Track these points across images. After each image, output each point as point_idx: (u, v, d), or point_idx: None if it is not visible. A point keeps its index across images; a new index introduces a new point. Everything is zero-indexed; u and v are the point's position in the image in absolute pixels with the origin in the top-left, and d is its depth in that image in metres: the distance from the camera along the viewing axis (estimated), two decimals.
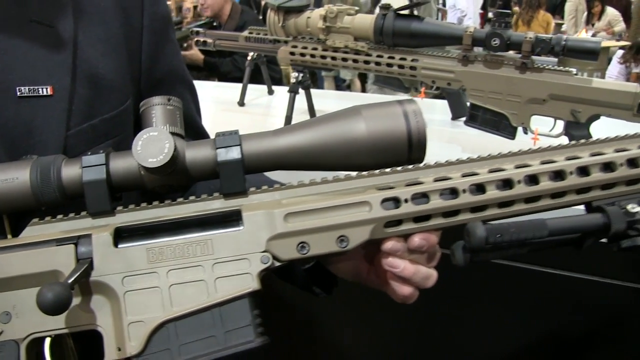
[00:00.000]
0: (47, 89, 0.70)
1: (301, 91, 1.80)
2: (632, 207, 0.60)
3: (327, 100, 2.14)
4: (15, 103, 0.68)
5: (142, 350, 0.57)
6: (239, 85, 2.19)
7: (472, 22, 9.10)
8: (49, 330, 0.59)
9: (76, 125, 0.72)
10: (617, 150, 0.63)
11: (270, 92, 2.37)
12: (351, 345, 1.67)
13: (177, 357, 0.57)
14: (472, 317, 1.47)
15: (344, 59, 1.56)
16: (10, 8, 0.70)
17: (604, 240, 0.62)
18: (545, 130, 1.44)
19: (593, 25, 8.59)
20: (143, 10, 0.81)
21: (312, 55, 1.61)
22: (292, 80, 1.74)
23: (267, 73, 2.32)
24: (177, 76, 0.89)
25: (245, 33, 1.90)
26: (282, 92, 2.25)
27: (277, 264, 0.60)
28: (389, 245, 0.61)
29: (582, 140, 0.65)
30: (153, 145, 0.57)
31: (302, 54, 1.63)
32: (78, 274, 0.56)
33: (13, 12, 0.70)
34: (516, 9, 8.99)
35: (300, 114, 1.82)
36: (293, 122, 1.76)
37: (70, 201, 0.62)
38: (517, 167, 0.62)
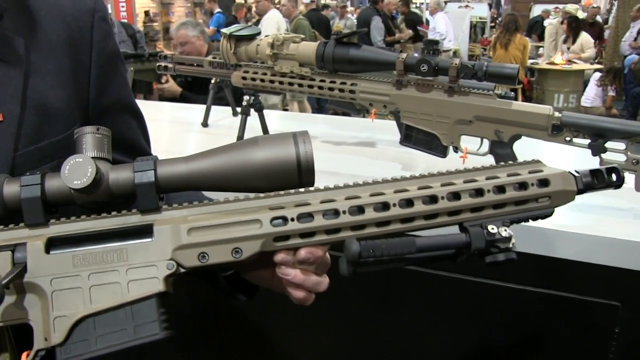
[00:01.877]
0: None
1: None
2: (492, 228, 0.70)
3: (285, 121, 2.24)
4: None
5: (64, 340, 0.67)
6: (204, 107, 2.30)
7: (451, 44, 9.35)
8: None
9: (24, 147, 0.80)
10: (488, 178, 0.72)
11: (235, 113, 2.48)
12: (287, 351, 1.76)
13: (94, 346, 0.67)
14: (400, 323, 1.57)
15: (290, 84, 1.66)
16: None
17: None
18: (473, 149, 1.54)
19: (569, 48, 8.81)
20: (92, 47, 0.90)
21: (262, 80, 1.72)
22: (244, 103, 1.85)
23: (230, 96, 2.43)
24: (124, 105, 0.98)
25: (209, 58, 2.02)
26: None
27: (182, 270, 0.70)
28: (279, 257, 0.71)
29: (460, 168, 0.74)
30: (78, 170, 0.67)
31: (253, 79, 1.74)
32: (12, 275, 0.65)
33: None
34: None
35: (255, 133, 1.92)
36: None
37: (12, 214, 0.70)
38: (396, 191, 0.71)
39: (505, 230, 0.70)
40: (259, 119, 1.95)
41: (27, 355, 0.68)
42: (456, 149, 1.54)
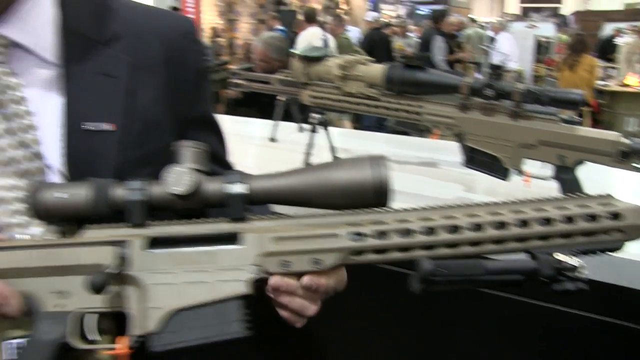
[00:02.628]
0: (109, 125, 0.89)
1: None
2: (561, 257, 0.71)
3: (348, 138, 2.31)
4: (81, 135, 0.87)
5: (156, 330, 0.75)
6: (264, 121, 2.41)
7: (515, 65, 9.22)
8: (92, 308, 0.78)
9: (128, 155, 0.90)
10: (557, 208, 0.74)
11: (301, 129, 2.57)
12: None
13: (183, 338, 0.75)
14: (465, 344, 1.60)
15: (358, 103, 1.74)
16: (87, 63, 0.90)
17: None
18: (536, 172, 1.56)
19: None
20: (186, 66, 1.00)
21: (331, 99, 1.80)
22: (312, 120, 1.93)
23: (297, 112, 2.53)
24: (208, 120, 1.08)
25: (278, 76, 2.12)
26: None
27: (266, 276, 0.77)
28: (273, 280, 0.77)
29: (523, 191, 0.79)
30: (179, 178, 0.76)
31: (322, 97, 1.82)
32: (116, 267, 0.75)
33: (89, 66, 0.90)
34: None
35: (321, 149, 2.01)
36: (314, 158, 1.95)
37: (117, 214, 0.79)
38: (467, 215, 0.74)
39: (574, 259, 0.72)
40: (325, 136, 2.02)
41: (121, 340, 0.76)
42: (519, 172, 1.57)
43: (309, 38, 6.22)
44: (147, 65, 0.94)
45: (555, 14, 19.14)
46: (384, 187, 0.75)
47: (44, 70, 0.89)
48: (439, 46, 8.45)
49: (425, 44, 8.65)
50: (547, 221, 0.73)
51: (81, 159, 0.86)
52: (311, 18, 6.88)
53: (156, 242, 0.78)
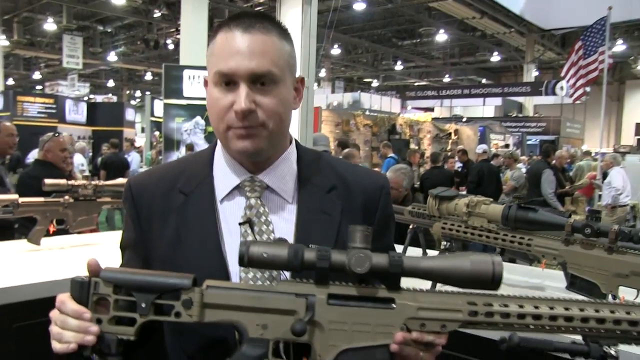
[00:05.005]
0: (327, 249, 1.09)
1: None
2: (606, 346, 1.00)
3: None
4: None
5: None
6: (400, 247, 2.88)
7: (628, 199, 9.19)
8: (285, 339, 1.01)
9: None
10: (611, 311, 1.01)
11: (424, 254, 3.02)
12: None
13: None
14: None
15: (480, 235, 2.19)
16: (313, 203, 1.23)
17: None
18: (630, 298, 1.91)
19: None
20: (377, 211, 1.30)
21: (457, 231, 2.27)
22: (442, 247, 2.39)
23: (423, 239, 2.99)
24: (389, 249, 1.33)
25: (409, 208, 2.63)
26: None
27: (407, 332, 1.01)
28: (415, 335, 1.01)
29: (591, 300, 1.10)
30: (361, 261, 0.99)
31: (450, 229, 2.30)
32: (309, 316, 0.99)
33: (314, 205, 1.23)
34: None
35: None
36: None
37: (306, 270, 1.00)
38: (549, 307, 1.01)
39: (614, 349, 0.99)
40: None
41: None
42: (614, 297, 1.92)
43: None
44: (351, 209, 1.26)
45: None
46: (498, 280, 1.00)
47: (285, 205, 1.25)
48: (549, 180, 8.66)
49: (533, 176, 8.92)
50: (602, 321, 1.00)
51: None
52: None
53: (334, 297, 1.02)
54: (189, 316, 1.01)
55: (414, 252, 3.03)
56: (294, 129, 7.56)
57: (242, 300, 1.02)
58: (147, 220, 1.25)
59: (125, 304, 1.03)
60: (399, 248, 2.93)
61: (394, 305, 1.02)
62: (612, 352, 1.00)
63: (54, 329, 1.02)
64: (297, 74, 1.27)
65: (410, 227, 2.90)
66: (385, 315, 1.02)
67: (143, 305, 1.02)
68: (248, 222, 1.18)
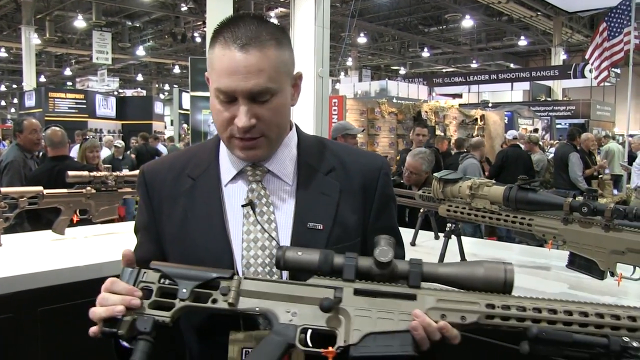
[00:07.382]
0: (321, 226, 1.26)
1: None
2: (626, 339, 1.00)
3: (474, 245, 2.77)
4: (304, 230, 1.27)
5: (355, 344, 1.07)
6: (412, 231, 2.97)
7: None
8: (314, 326, 1.11)
9: (329, 247, 1.19)
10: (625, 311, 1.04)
11: (436, 237, 3.10)
12: None
13: (372, 350, 1.07)
14: None
15: (483, 216, 2.26)
16: (312, 185, 1.31)
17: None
18: (627, 274, 1.97)
19: None
20: (376, 191, 1.36)
21: (462, 212, 2.34)
22: (447, 229, 2.47)
23: (434, 223, 3.07)
24: (390, 229, 1.33)
25: (420, 192, 2.71)
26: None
27: None
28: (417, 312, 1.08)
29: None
30: (384, 252, 1.11)
31: (455, 211, 2.37)
32: (335, 301, 1.08)
33: (313, 187, 1.31)
34: None
35: (453, 255, 2.52)
36: (446, 260, 2.46)
37: (336, 273, 1.12)
38: (565, 311, 1.04)
39: (637, 342, 0.99)
40: (457, 243, 2.54)
41: (328, 351, 1.07)
42: (612, 274, 1.98)
43: None
44: (349, 189, 1.33)
45: None
46: (510, 285, 1.09)
47: (285, 187, 1.33)
48: (575, 162, 8.63)
49: (560, 160, 8.88)
50: (616, 317, 1.04)
51: (301, 244, 1.21)
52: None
53: (361, 292, 1.12)
54: (225, 302, 1.12)
55: (425, 235, 3.10)
56: (309, 119, 7.57)
57: (274, 288, 1.13)
58: (158, 204, 1.35)
59: (165, 294, 1.15)
60: (411, 232, 3.03)
61: (415, 300, 1.10)
62: (634, 344, 1.00)
63: (98, 299, 1.13)
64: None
65: (421, 210, 2.98)
66: (407, 305, 1.10)
67: (184, 290, 1.13)
68: (250, 204, 1.28)
